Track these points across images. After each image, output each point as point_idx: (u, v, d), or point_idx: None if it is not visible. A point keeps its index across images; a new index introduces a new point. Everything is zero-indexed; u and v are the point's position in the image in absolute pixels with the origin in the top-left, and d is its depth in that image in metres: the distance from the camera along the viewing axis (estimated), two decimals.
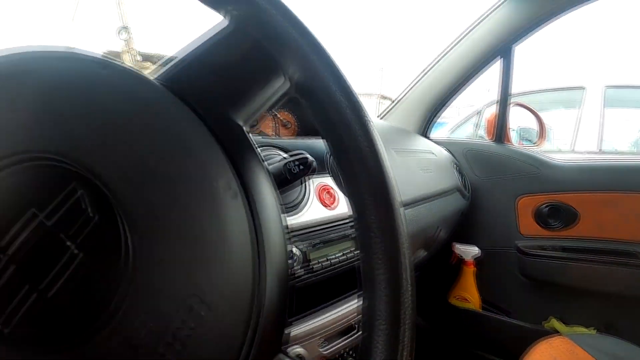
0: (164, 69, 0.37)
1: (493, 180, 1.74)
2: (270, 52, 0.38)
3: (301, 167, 0.64)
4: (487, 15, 1.63)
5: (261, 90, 0.38)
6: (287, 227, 0.37)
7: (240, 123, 0.37)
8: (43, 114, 0.28)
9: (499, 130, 1.78)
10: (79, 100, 0.29)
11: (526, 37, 1.63)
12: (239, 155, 0.35)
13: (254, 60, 0.38)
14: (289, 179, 0.62)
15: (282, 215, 0.37)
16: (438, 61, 1.75)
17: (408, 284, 0.36)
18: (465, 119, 4.56)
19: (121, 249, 0.28)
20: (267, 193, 0.36)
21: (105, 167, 0.28)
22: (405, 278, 0.36)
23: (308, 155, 0.66)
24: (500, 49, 1.64)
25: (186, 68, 0.36)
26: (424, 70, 1.79)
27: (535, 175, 1.66)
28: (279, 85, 0.39)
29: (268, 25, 0.37)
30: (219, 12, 0.38)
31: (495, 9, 1.60)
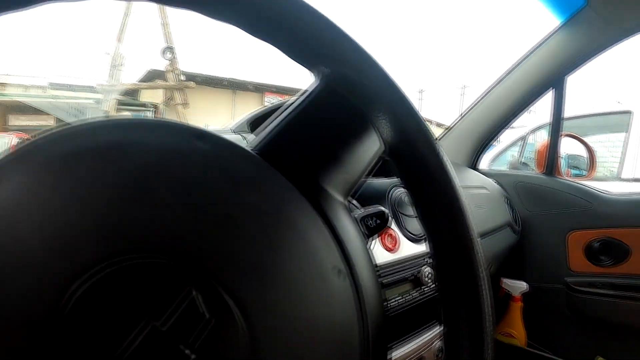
0: (259, 137, 0.36)
1: (543, 215, 1.70)
2: (364, 113, 0.37)
3: (378, 221, 0.63)
4: (539, 46, 1.60)
5: (358, 155, 0.37)
6: (385, 299, 0.37)
7: (341, 197, 0.36)
8: (144, 202, 0.27)
9: (550, 162, 1.74)
10: (181, 184, 0.28)
11: (578, 68, 1.59)
12: (343, 231, 0.34)
13: (348, 122, 0.36)
14: (367, 235, 0.61)
15: (379, 285, 0.36)
16: (489, 92, 1.73)
17: (489, 317, 0.38)
18: (509, 146, 4.47)
19: (238, 348, 0.27)
20: (368, 267, 0.35)
21: (222, 267, 0.27)
22: (487, 313, 0.38)
23: (384, 209, 0.65)
24: (552, 80, 1.61)
25: (281, 135, 0.35)
26: (475, 101, 1.77)
27: (587, 209, 1.61)
28: (375, 149, 0.37)
29: (360, 85, 0.36)
30: (310, 71, 0.38)
31: (547, 39, 1.58)
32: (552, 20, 1.55)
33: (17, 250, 0.23)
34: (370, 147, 0.37)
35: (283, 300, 0.29)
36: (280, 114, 0.37)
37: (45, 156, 0.26)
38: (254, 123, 1.03)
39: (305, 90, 0.37)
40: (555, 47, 1.57)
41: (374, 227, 0.62)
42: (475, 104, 1.77)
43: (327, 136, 0.36)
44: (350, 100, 0.36)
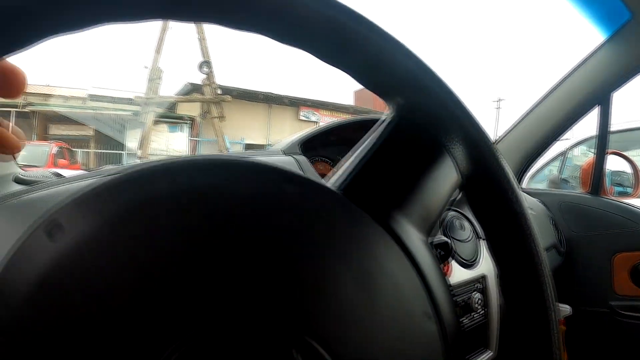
0: (340, 175, 0.35)
1: (588, 235, 1.64)
2: (441, 142, 0.36)
3: (442, 252, 0.62)
4: (584, 62, 1.55)
5: (438, 188, 0.36)
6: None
7: (424, 235, 0.35)
8: (239, 259, 0.26)
9: (596, 181, 1.68)
10: (276, 238, 0.27)
11: (625, 84, 1.54)
12: (429, 272, 0.33)
13: (426, 152, 0.36)
14: None
15: (459, 325, 0.36)
16: (532, 110, 1.69)
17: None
18: (548, 162, 4.37)
19: None
20: (451, 308, 0.35)
21: (322, 325, 0.27)
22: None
23: (447, 240, 0.64)
24: (598, 97, 1.56)
25: (363, 173, 0.34)
26: (518, 119, 1.73)
27: (634, 231, 1.54)
28: (453, 180, 0.36)
29: (436, 114, 0.35)
30: (387, 103, 0.37)
31: (591, 55, 1.53)
32: (595, 35, 1.51)
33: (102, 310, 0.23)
34: (448, 177, 0.36)
35: (378, 351, 0.28)
36: (358, 148, 0.36)
37: (119, 202, 0.25)
38: (305, 144, 1.02)
39: (381, 122, 0.37)
40: (601, 63, 1.52)
41: (439, 259, 0.60)
42: (518, 123, 1.73)
43: (407, 170, 0.35)
44: (426, 130, 0.35)
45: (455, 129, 0.35)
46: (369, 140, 0.36)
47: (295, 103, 19.95)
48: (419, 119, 0.35)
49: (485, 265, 0.98)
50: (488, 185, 0.37)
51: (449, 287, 0.35)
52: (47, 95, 15.94)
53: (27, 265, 0.23)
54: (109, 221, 0.24)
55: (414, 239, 0.33)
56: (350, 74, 0.35)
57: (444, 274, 0.36)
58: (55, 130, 15.58)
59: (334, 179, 0.35)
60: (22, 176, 0.96)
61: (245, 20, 0.29)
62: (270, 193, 0.28)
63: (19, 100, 14.31)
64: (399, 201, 0.34)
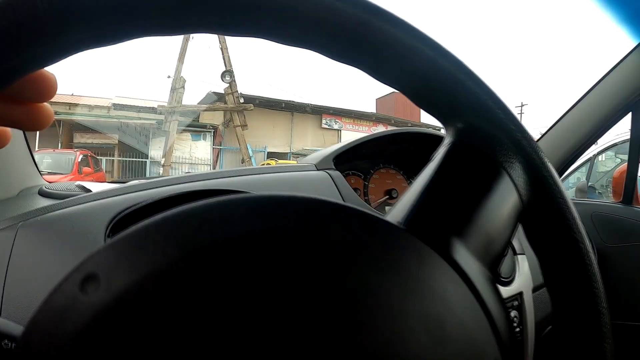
0: (401, 207, 0.32)
1: (621, 247, 1.58)
2: (500, 164, 0.33)
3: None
4: (615, 69, 1.50)
5: (501, 217, 0.33)
6: None
7: (489, 270, 0.32)
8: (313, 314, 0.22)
9: (629, 190, 1.62)
10: (344, 285, 0.24)
11: None
12: (496, 314, 0.29)
13: (486, 177, 0.33)
14: None
15: None
16: (562, 118, 1.64)
17: None
18: (575, 169, 4.28)
19: None
20: (516, 352, 0.33)
21: None
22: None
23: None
24: (631, 103, 1.50)
25: (424, 204, 0.32)
26: (548, 129, 1.68)
27: None
28: (514, 204, 0.33)
29: (495, 135, 0.33)
30: (445, 127, 0.35)
31: (622, 61, 1.48)
32: (625, 39, 1.46)
33: None
34: (508, 199, 0.33)
35: None
36: (419, 178, 0.34)
37: (168, 250, 0.22)
38: (338, 159, 1.00)
39: (440, 147, 0.34)
40: (633, 69, 1.47)
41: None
42: (547, 131, 1.69)
43: (467, 195, 0.32)
44: (484, 151, 0.33)
45: (514, 152, 0.33)
46: (428, 169, 0.34)
47: (318, 111, 20.01)
48: (476, 141, 0.33)
49: (521, 281, 0.95)
50: (549, 212, 0.34)
51: (513, 327, 0.33)
52: (72, 105, 16.26)
53: (57, 321, 0.20)
54: (153, 273, 0.21)
55: (481, 275, 0.30)
56: (406, 94, 0.33)
57: (508, 313, 0.33)
58: (79, 138, 15.87)
59: (395, 213, 0.32)
60: (46, 189, 0.96)
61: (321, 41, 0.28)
62: (336, 235, 0.25)
63: None
64: (460, 229, 0.31)
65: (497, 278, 0.86)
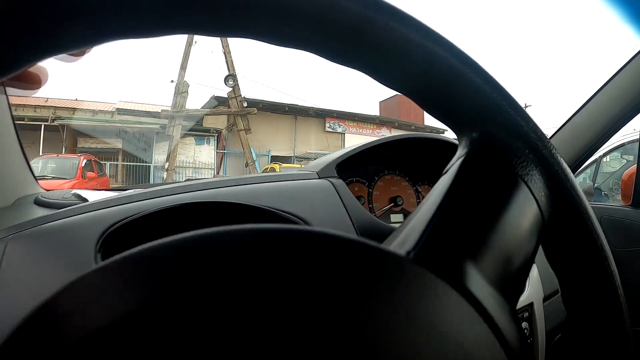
0: (409, 233, 0.29)
1: (631, 252, 1.54)
2: (518, 173, 0.30)
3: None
4: (623, 69, 1.48)
5: (522, 239, 0.29)
6: None
7: (507, 303, 0.28)
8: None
9: (638, 193, 1.58)
10: (350, 327, 0.20)
11: None
12: (517, 350, 0.26)
13: (503, 189, 0.30)
14: None
15: None
16: (570, 119, 1.61)
17: None
18: (581, 170, 4.24)
19: None
20: None
21: None
22: None
23: None
24: None
25: (436, 229, 0.28)
26: (558, 128, 1.65)
27: None
28: (537, 227, 0.30)
29: (511, 143, 0.30)
30: (459, 137, 0.32)
31: (631, 61, 1.45)
32: (632, 39, 1.44)
33: None
34: (529, 217, 0.30)
35: None
36: (429, 196, 0.31)
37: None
38: (341, 166, 0.97)
39: (453, 160, 0.32)
40: None
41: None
42: (556, 132, 1.65)
43: (487, 217, 0.29)
44: (504, 165, 0.30)
45: (535, 164, 0.30)
46: (441, 186, 0.31)
47: (321, 114, 20.01)
48: (494, 152, 0.30)
49: (532, 291, 0.92)
50: (573, 228, 0.31)
51: None
52: (76, 110, 16.35)
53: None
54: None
55: (499, 309, 0.26)
56: (420, 105, 0.31)
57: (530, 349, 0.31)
58: (83, 143, 15.95)
59: (403, 238, 0.29)
60: (43, 198, 0.95)
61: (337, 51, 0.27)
62: (343, 268, 0.22)
63: (49, 114, 14.73)
64: (475, 252, 0.28)
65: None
